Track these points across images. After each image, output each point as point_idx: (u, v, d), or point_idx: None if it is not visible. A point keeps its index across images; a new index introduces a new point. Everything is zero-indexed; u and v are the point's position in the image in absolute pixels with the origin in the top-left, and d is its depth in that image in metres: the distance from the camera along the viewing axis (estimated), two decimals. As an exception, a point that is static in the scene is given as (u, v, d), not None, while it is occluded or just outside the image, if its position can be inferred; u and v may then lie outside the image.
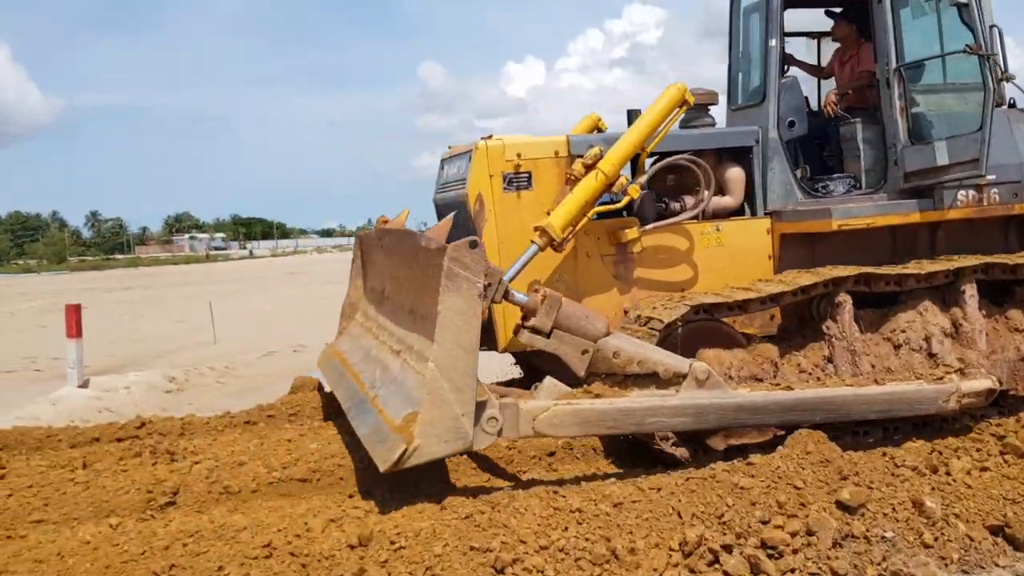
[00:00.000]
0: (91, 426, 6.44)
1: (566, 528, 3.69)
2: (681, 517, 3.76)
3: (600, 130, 6.64)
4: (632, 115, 5.95)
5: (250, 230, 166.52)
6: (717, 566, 3.50)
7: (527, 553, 3.53)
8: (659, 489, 3.95)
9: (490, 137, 5.66)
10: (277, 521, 4.04)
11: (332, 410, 6.58)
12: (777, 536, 3.58)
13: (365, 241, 7.07)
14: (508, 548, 3.54)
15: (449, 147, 6.43)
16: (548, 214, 5.21)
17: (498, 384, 5.93)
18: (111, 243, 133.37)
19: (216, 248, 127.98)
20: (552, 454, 5.14)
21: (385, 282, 6.17)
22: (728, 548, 3.56)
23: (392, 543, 3.65)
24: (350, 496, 4.60)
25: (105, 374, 9.69)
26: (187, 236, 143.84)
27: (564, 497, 3.90)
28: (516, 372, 7.66)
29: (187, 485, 4.76)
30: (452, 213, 5.28)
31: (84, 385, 8.21)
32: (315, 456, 5.08)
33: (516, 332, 4.53)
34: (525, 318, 4.45)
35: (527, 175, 5.58)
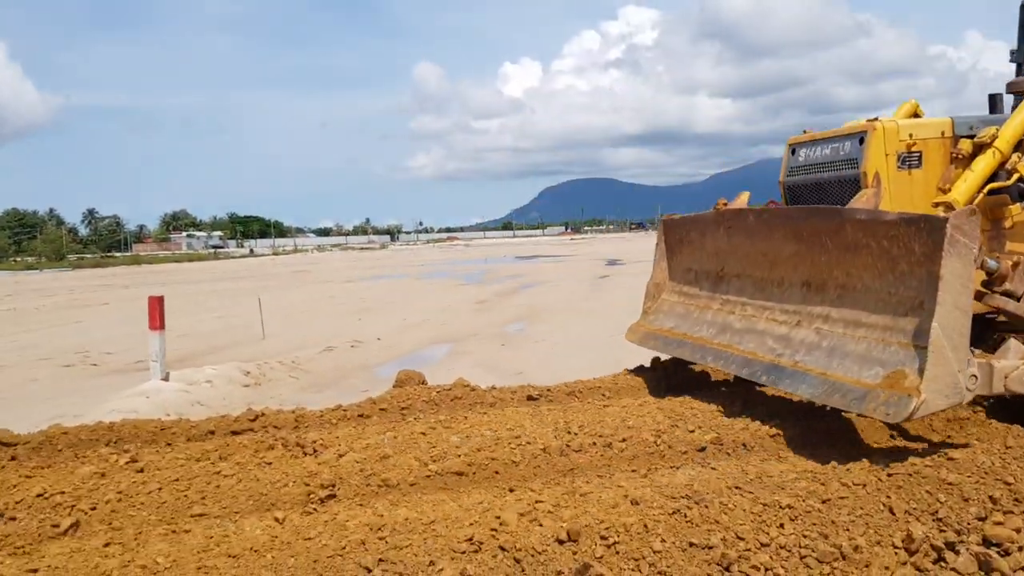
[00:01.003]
0: (203, 419, 6.31)
1: (781, 525, 3.58)
2: (894, 513, 3.67)
3: (918, 115, 6.82)
4: (993, 99, 6.50)
5: (247, 228, 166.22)
6: (943, 564, 3.40)
7: (749, 550, 3.42)
8: (864, 485, 3.85)
9: (875, 119, 5.92)
10: (459, 514, 3.94)
11: (446, 403, 6.50)
12: (1002, 533, 3.48)
13: (670, 225, 7.49)
14: (729, 544, 3.44)
15: (804, 131, 6.68)
16: (940, 191, 5.62)
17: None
18: (108, 240, 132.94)
19: (214, 246, 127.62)
20: (703, 449, 5.03)
21: (734, 262, 6.55)
22: (951, 546, 3.46)
23: (603, 538, 3.55)
24: (511, 490, 4.47)
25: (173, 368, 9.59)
26: (184, 234, 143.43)
27: (773, 493, 3.80)
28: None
29: (343, 478, 4.64)
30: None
31: (165, 378, 8.07)
32: (462, 449, 4.97)
33: (979, 297, 4.81)
34: (992, 283, 4.87)
35: (918, 155, 5.89)
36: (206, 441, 5.64)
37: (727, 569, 3.35)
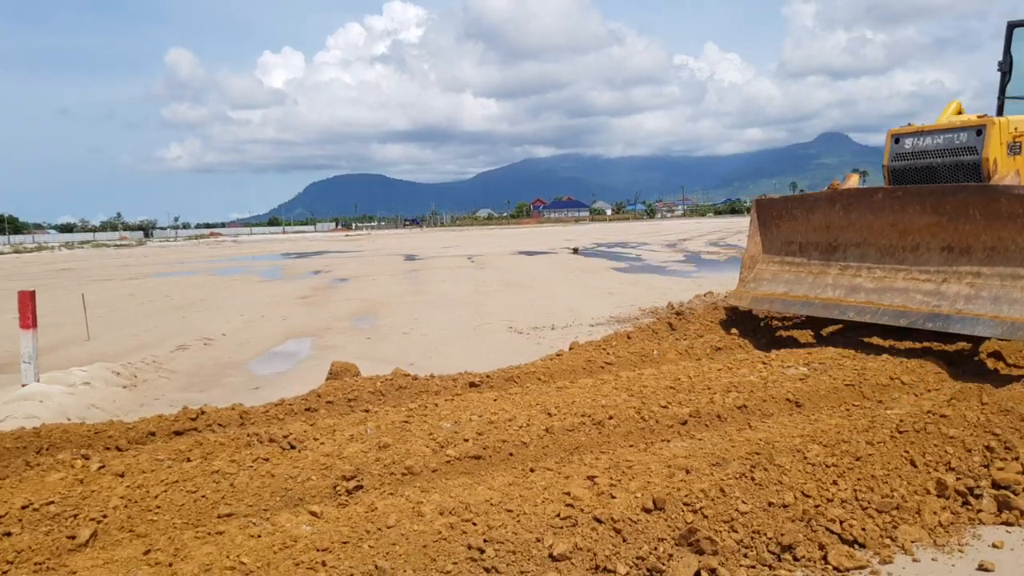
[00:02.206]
0: (137, 420, 5.81)
1: (835, 482, 3.94)
2: (916, 466, 4.15)
3: (961, 112, 8.55)
4: None
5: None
6: (969, 506, 3.90)
7: (819, 506, 3.74)
8: (884, 442, 4.30)
9: (985, 116, 7.79)
10: (522, 492, 3.95)
11: (392, 392, 6.39)
12: (1008, 477, 4.04)
13: (764, 205, 8.88)
14: (801, 501, 3.74)
15: (909, 123, 8.28)
16: None
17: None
18: None
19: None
20: (684, 422, 5.32)
21: (852, 233, 7.81)
22: (971, 491, 3.96)
23: (687, 504, 3.72)
24: (531, 470, 4.53)
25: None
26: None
27: (807, 455, 4.14)
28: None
29: (361, 469, 4.48)
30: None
31: (36, 381, 7.25)
32: (466, 434, 4.94)
33: None
34: None
35: (1020, 144, 7.48)
36: (169, 442, 5.23)
37: (808, 524, 3.63)
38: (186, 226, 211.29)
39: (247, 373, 9.32)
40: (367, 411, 5.87)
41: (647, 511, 3.69)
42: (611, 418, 5.27)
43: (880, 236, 7.55)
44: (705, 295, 13.21)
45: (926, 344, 7.36)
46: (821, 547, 3.49)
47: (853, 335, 7.77)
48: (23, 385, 7.14)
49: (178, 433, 5.61)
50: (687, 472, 4.08)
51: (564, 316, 12.63)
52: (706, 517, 3.63)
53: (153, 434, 5.56)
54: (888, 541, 3.58)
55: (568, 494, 3.87)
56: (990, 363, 6.82)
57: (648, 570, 3.35)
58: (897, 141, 8.27)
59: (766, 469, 3.99)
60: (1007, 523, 3.79)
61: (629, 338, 8.25)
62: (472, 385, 6.63)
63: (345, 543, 3.43)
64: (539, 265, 27.34)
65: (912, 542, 3.59)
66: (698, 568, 3.34)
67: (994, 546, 3.59)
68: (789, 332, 8.48)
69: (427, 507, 3.77)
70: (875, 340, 7.53)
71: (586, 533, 3.52)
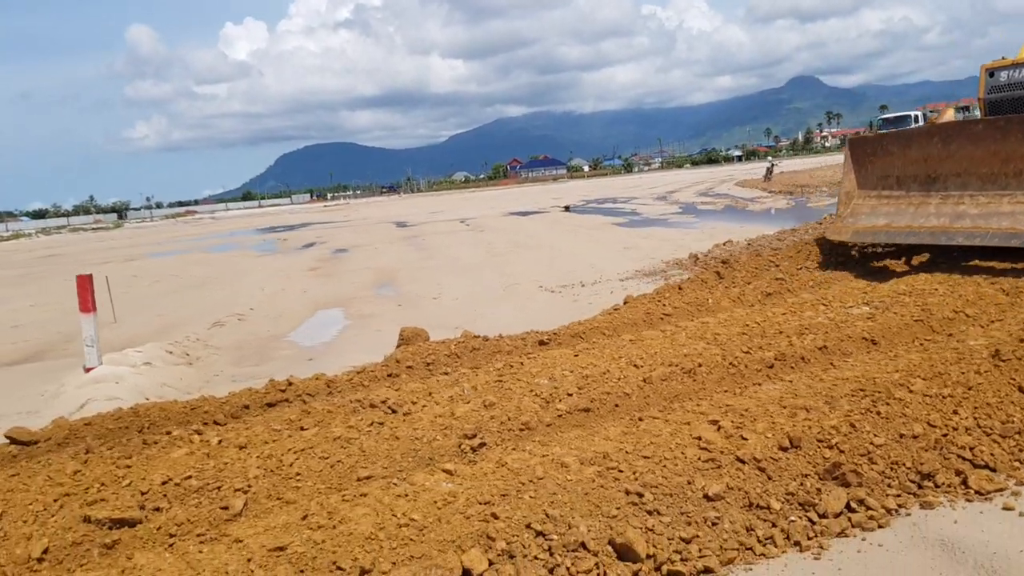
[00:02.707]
0: (229, 395, 5.86)
1: (955, 411, 4.08)
2: (1023, 391, 4.28)
3: None
4: None
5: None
6: None
7: (947, 435, 3.88)
8: (987, 371, 4.44)
9: None
10: (641, 437, 4.06)
11: (467, 354, 6.47)
12: None
13: (857, 143, 9.55)
14: (930, 431, 3.88)
15: (1003, 57, 8.83)
16: None
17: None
18: None
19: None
20: (771, 366, 5.44)
21: (951, 164, 8.31)
22: None
23: (820, 441, 3.85)
24: (640, 419, 4.63)
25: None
26: None
27: (916, 388, 4.28)
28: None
29: (480, 427, 4.58)
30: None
31: (100, 364, 7.28)
32: (566, 388, 5.06)
33: None
34: None
35: None
36: (269, 413, 5.30)
37: (941, 452, 3.77)
38: (159, 205, 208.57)
39: (294, 346, 9.38)
40: (446, 374, 5.97)
41: (784, 450, 3.81)
42: (700, 366, 5.39)
43: (982, 165, 8.05)
44: (725, 244, 13.35)
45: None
46: (958, 473, 3.64)
47: (944, 262, 8.34)
48: (87, 369, 7.16)
49: (271, 405, 5.68)
50: (807, 411, 4.21)
51: (588, 273, 12.72)
52: (843, 452, 3.76)
53: (247, 407, 5.63)
54: (1018, 464, 3.73)
55: (699, 439, 3.98)
56: None
57: (800, 504, 3.48)
58: (992, 75, 8.75)
59: (887, 403, 4.12)
60: None
61: (681, 289, 8.37)
62: (541, 343, 6.72)
63: (504, 495, 3.53)
64: (538, 225, 27.39)
65: (1029, 464, 3.74)
66: (848, 500, 3.47)
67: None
68: (880, 262, 8.93)
69: (569, 459, 3.87)
70: (976, 261, 8.04)
71: (732, 473, 3.65)
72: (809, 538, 3.30)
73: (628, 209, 32.53)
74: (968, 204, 8.09)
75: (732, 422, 4.18)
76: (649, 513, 3.40)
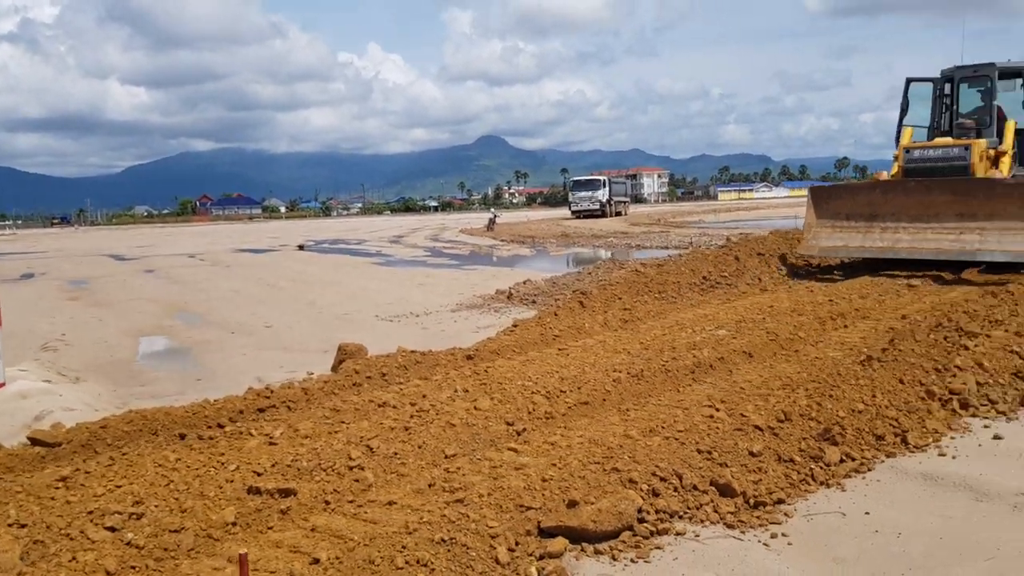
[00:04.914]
0: (222, 400, 6.04)
1: (873, 396, 5.56)
2: (904, 383, 5.91)
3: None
4: None
5: None
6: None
7: (942, 379, 5.34)
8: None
9: (968, 140, 13.05)
10: (665, 418, 5.11)
11: (392, 372, 7.09)
12: None
13: (817, 190, 13.93)
14: (866, 407, 5.32)
15: (914, 141, 13.48)
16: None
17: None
18: None
19: None
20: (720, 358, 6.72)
21: (888, 207, 12.52)
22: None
23: (802, 415, 5.13)
24: (627, 410, 5.64)
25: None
26: None
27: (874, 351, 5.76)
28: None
29: (516, 417, 5.35)
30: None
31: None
32: (559, 388, 5.96)
33: None
34: None
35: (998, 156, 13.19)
36: (274, 415, 5.69)
37: (881, 421, 5.21)
38: None
39: (164, 368, 9.25)
40: (397, 384, 6.59)
41: (780, 421, 5.05)
42: (643, 371, 6.54)
43: (911, 209, 12.23)
44: (525, 283, 14.78)
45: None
46: (897, 434, 5.08)
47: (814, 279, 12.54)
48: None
49: (261, 410, 5.98)
50: (768, 398, 5.51)
51: (404, 306, 13.40)
52: (821, 423, 5.06)
53: (242, 412, 5.88)
54: (924, 428, 5.26)
55: (711, 417, 5.12)
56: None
57: (812, 457, 4.71)
58: (908, 151, 12.93)
59: (832, 389, 5.53)
60: (974, 416, 5.63)
61: (556, 315, 9.53)
62: (468, 357, 7.51)
63: (609, 456, 4.41)
64: (291, 262, 27.28)
65: (934, 430, 5.30)
66: (840, 455, 4.77)
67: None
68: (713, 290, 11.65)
69: (632, 431, 4.83)
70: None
71: (756, 436, 4.81)
72: (829, 479, 4.54)
73: (372, 250, 33.28)
74: (902, 234, 12.22)
75: (723, 404, 5.37)
76: (721, 465, 4.45)
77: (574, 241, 33.06)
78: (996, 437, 5.12)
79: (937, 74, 14.36)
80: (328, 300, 14.89)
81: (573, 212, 65.40)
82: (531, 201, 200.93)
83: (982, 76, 13.87)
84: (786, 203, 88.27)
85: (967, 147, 12.68)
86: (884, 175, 13.63)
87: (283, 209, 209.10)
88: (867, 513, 4.11)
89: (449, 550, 3.47)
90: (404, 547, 3.43)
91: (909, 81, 14.56)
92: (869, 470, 4.68)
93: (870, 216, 12.65)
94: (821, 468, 4.62)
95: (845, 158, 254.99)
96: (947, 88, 14.41)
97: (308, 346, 10.08)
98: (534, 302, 12.56)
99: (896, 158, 13.61)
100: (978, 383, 5.95)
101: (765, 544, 3.80)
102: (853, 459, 4.77)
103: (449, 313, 12.31)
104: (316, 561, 3.38)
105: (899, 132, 14.23)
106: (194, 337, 11.33)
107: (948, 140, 13.27)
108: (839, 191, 13.88)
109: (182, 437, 5.10)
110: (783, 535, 3.89)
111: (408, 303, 13.81)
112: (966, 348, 6.54)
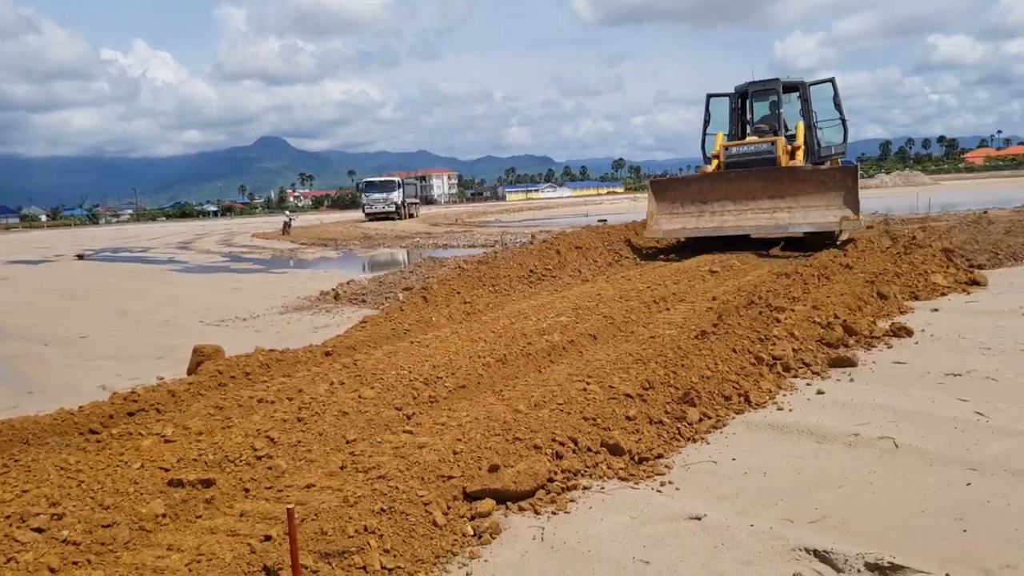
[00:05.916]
0: (88, 406, 5.82)
1: (716, 364, 6.30)
2: (736, 351, 6.71)
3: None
4: None
5: None
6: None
7: (725, 372, 6.07)
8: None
9: (773, 136, 15.13)
10: (545, 394, 5.58)
11: (274, 366, 7.16)
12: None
13: (656, 182, 16.48)
14: (713, 374, 6.04)
15: (731, 140, 15.18)
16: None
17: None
18: None
19: None
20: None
21: (714, 193, 15.10)
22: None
23: (663, 383, 5.76)
24: (500, 391, 6.09)
25: None
26: None
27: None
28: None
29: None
30: (714, 162, 15.54)
31: None
32: (441, 375, 6.26)
33: None
34: None
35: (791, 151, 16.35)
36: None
37: (725, 382, 5.93)
38: None
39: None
40: (262, 382, 6.67)
41: (645, 389, 5.64)
42: (506, 356, 6.98)
43: (734, 195, 14.83)
44: (349, 283, 14.85)
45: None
46: (740, 395, 5.82)
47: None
48: None
49: (131, 413, 5.86)
50: (628, 371, 6.10)
51: (226, 311, 13.12)
52: (679, 388, 5.70)
53: (111, 416, 5.75)
54: (759, 389, 6.04)
55: (585, 389, 5.63)
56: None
57: (676, 418, 5.33)
58: (727, 149, 15.02)
59: (683, 360, 6.20)
60: (795, 376, 6.51)
61: (403, 310, 9.76)
62: (327, 354, 7.64)
63: (508, 428, 4.79)
64: (77, 272, 25.48)
65: (768, 389, 6.10)
66: (699, 415, 5.42)
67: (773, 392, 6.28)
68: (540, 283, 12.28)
69: (520, 405, 5.24)
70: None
71: (629, 403, 5.37)
72: (695, 435, 5.17)
73: (163, 257, 31.69)
74: (727, 216, 14.92)
75: (593, 381, 5.90)
76: (605, 429, 4.97)
77: (379, 243, 33.08)
78: (819, 392, 5.98)
79: (723, 88, 17.26)
80: (141, 308, 14.24)
81: (367, 214, 64.98)
82: (319, 204, 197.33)
83: (770, 90, 16.37)
84: (572, 202, 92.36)
85: (773, 143, 15.31)
86: (708, 169, 15.76)
87: (44, 218, 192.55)
88: (734, 459, 4.75)
89: (390, 518, 3.72)
90: (351, 518, 3.65)
91: (710, 96, 17.04)
92: (725, 425, 5.37)
93: (701, 202, 15.17)
94: (686, 426, 5.25)
95: (621, 159, 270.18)
96: (740, 101, 16.99)
97: (138, 353, 9.72)
98: (364, 301, 12.68)
99: (711, 159, 15.98)
100: (794, 349, 6.88)
101: (658, 491, 4.33)
102: (710, 417, 5.44)
103: (278, 315, 12.20)
104: (268, 538, 3.53)
105: (704, 140, 16.69)
106: (3, 351, 10.56)
107: (756, 139, 15.71)
108: (674, 183, 16.45)
109: (87, 438, 4.95)
110: (670, 483, 4.44)
111: (229, 308, 13.51)
112: (778, 321, 7.49)
